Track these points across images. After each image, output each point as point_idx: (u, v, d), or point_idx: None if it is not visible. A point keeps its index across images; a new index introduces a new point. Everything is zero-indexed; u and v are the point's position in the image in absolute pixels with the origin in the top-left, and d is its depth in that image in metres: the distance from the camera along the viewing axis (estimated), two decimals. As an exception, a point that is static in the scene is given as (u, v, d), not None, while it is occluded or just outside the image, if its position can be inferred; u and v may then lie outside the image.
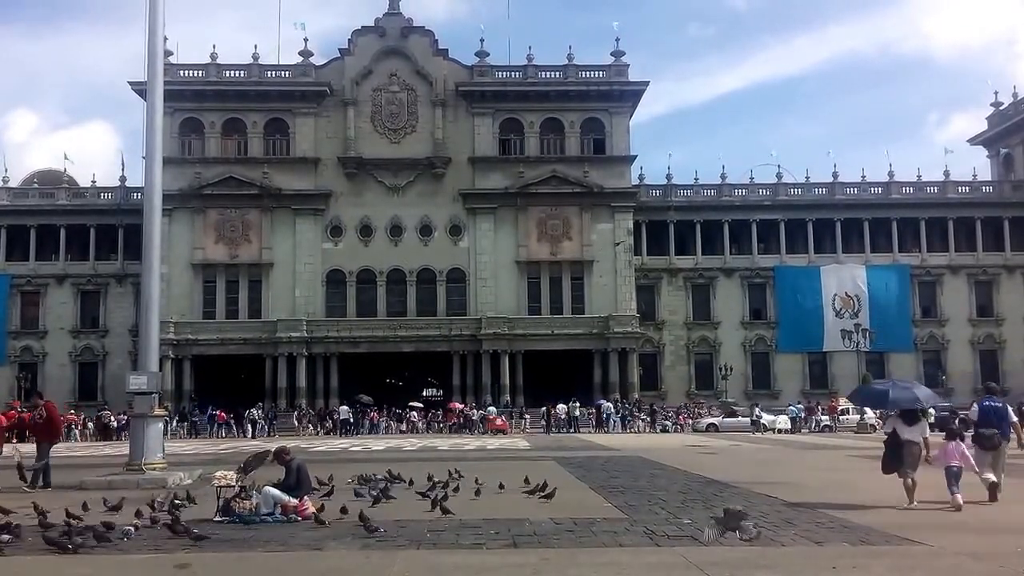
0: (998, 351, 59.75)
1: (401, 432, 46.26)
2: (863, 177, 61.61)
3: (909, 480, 12.53)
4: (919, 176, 61.60)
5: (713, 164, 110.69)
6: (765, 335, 59.31)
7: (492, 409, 47.05)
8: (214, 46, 56.48)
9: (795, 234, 59.79)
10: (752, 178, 61.27)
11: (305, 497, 11.88)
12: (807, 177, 61.64)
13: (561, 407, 47.39)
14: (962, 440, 12.87)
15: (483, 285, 55.65)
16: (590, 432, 44.51)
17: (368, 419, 47.67)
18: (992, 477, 12.89)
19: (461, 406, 49.21)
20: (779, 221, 59.46)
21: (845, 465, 21.30)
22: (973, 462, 12.67)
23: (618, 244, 55.14)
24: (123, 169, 60.08)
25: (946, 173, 61.62)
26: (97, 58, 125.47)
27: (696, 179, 61.04)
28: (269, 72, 57.37)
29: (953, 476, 12.37)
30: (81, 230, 57.61)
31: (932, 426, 15.66)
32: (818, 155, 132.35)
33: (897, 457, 12.80)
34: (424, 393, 56.73)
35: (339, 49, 58.13)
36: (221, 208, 55.80)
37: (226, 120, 56.48)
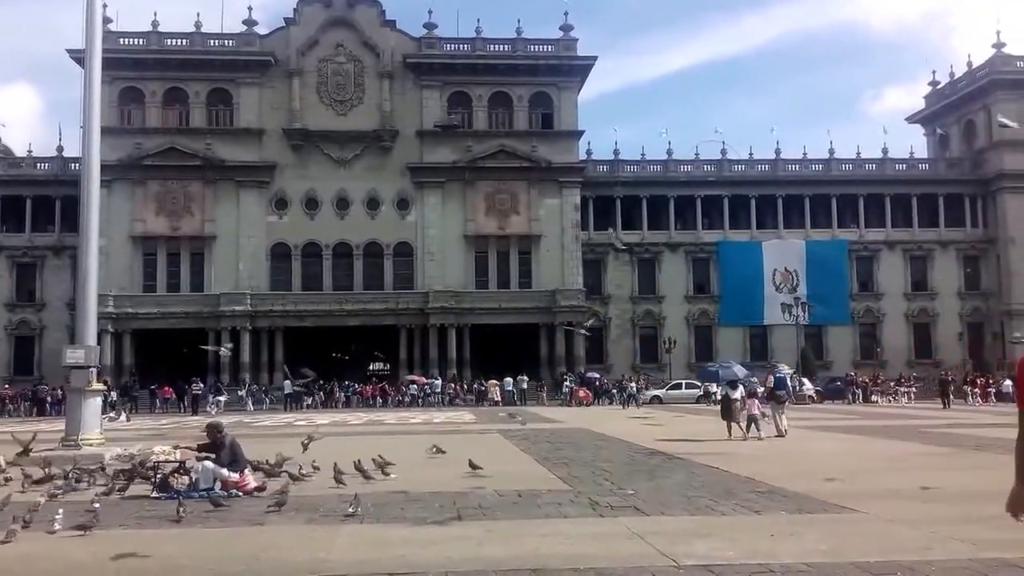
0: (931, 324, 61.24)
1: (400, 404, 46.98)
2: (804, 154, 62.53)
3: (734, 424, 20.54)
4: (858, 153, 62.63)
5: (659, 140, 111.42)
6: (708, 309, 60.04)
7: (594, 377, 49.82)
8: (155, 14, 54.99)
9: (739, 210, 60.43)
10: (697, 154, 61.71)
11: (245, 471, 11.76)
12: (751, 154, 62.40)
13: (508, 380, 47.60)
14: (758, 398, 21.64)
15: (430, 259, 55.38)
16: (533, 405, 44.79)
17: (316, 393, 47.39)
18: (786, 423, 21.38)
19: (420, 378, 49.24)
20: (723, 197, 59.99)
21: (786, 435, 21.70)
22: (760, 410, 20.94)
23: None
24: (60, 139, 58.20)
25: (884, 151, 62.65)
26: (16, 16, 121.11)
27: (643, 155, 61.36)
28: (212, 41, 56.06)
29: (753, 420, 20.49)
30: (17, 201, 55.90)
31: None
32: (762, 132, 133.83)
33: (727, 411, 20.88)
34: (371, 367, 56.44)
35: (284, 18, 57.02)
36: (162, 180, 54.62)
37: (167, 89, 55.15)
